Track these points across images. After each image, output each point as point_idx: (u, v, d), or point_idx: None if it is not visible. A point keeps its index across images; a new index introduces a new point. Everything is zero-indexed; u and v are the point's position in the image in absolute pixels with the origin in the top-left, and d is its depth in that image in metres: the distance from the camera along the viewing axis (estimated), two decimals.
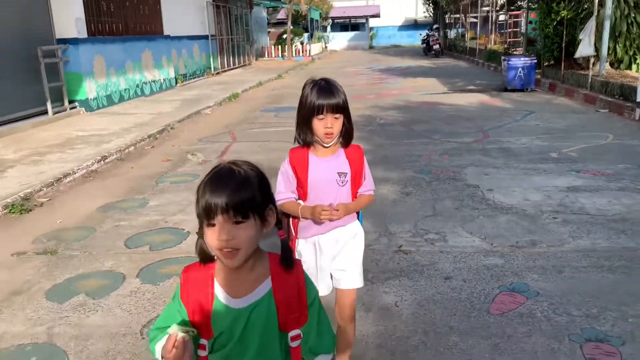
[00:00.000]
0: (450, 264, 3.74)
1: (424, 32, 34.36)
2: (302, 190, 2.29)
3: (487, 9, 24.50)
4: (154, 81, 14.63)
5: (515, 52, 17.70)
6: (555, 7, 12.56)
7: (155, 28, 15.19)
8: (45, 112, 10.23)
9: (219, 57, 21.03)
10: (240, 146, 8.06)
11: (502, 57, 13.85)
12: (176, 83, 16.30)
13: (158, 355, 1.38)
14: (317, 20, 43.25)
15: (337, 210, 2.20)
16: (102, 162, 7.17)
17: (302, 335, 1.44)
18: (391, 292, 3.41)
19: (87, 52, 11.28)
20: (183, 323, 1.40)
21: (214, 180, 1.35)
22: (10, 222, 5.07)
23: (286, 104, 12.19)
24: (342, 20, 50.60)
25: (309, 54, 31.51)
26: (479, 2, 23.63)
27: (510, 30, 20.88)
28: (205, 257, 1.43)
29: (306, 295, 1.44)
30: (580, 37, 10.65)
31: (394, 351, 2.80)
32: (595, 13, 10.68)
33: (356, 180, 2.31)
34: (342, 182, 2.27)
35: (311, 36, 39.62)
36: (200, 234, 1.41)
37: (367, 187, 2.36)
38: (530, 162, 6.33)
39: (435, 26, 34.12)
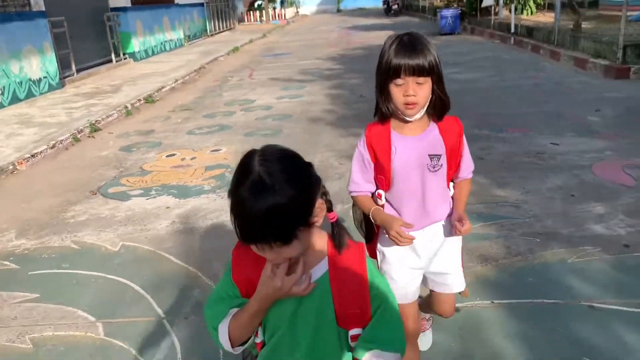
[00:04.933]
0: None
1: None
2: (384, 178, 1.81)
3: None
4: (171, 40, 18.74)
5: (452, 7, 22.20)
6: None
7: None
8: (110, 61, 14.39)
9: (212, 22, 25.04)
10: (259, 73, 12.41)
11: (436, 10, 18.37)
12: (184, 42, 20.39)
13: (224, 338, 1.24)
14: None
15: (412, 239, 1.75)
16: (175, 82, 11.47)
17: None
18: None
19: (132, 17, 15.38)
20: (236, 304, 1.26)
21: (246, 195, 1.06)
22: (148, 106, 9.40)
23: (278, 51, 16.55)
24: None
25: (285, 17, 35.53)
26: None
27: None
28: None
29: (369, 285, 1.22)
30: None
31: None
32: None
33: (452, 161, 1.81)
34: (435, 168, 1.77)
35: (283, 2, 43.39)
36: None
37: (469, 168, 1.90)
38: None
39: None
